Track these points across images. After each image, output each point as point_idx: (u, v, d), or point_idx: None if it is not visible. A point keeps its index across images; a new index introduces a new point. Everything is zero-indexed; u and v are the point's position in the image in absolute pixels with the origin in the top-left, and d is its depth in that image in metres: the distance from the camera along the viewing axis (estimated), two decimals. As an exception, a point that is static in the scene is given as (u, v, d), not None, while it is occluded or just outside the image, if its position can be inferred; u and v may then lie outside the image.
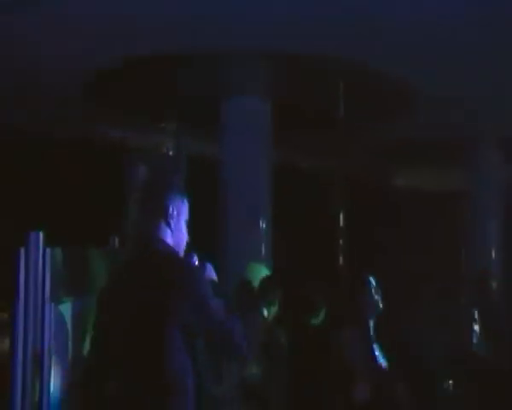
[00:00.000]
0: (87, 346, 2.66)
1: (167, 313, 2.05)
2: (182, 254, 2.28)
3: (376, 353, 3.73)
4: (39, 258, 2.78)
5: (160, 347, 2.05)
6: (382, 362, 3.72)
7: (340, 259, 10.79)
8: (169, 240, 2.23)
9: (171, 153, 8.25)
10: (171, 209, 2.22)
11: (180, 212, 2.26)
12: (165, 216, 2.21)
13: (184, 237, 2.29)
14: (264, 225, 6.59)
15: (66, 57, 5.37)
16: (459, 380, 4.46)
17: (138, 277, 2.13)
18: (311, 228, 9.92)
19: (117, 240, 3.85)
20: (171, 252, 2.21)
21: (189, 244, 2.33)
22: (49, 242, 2.88)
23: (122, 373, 2.11)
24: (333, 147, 9.27)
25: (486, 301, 5.96)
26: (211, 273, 2.33)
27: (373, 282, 3.98)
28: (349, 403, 3.39)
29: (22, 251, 2.79)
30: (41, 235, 2.81)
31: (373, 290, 3.92)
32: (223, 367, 3.33)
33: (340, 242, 10.82)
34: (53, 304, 2.75)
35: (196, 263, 2.32)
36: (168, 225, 2.22)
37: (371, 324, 3.81)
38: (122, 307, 2.13)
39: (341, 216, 10.88)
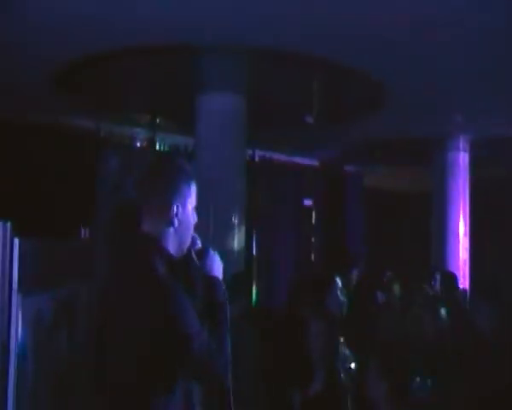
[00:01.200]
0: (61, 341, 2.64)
1: (142, 333, 1.86)
2: (184, 249, 2.08)
3: (344, 351, 3.78)
4: (7, 248, 2.75)
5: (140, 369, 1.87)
6: (348, 360, 3.76)
7: (312, 256, 10.87)
8: (170, 240, 2.03)
9: (142, 145, 8.21)
10: (174, 209, 2.03)
11: (186, 203, 2.06)
12: (168, 217, 2.01)
13: (190, 229, 2.08)
14: (237, 220, 6.60)
15: (40, 46, 5.31)
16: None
17: (119, 291, 1.96)
18: (284, 224, 9.97)
19: (86, 232, 3.83)
20: (156, 265, 1.96)
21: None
22: (17, 232, 2.85)
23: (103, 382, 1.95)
24: (304, 144, 9.33)
25: (452, 300, 6.08)
26: (216, 267, 2.12)
27: (339, 282, 4.04)
28: (305, 397, 3.42)
29: (-11, 241, 2.75)
30: (9, 225, 2.79)
31: (339, 290, 3.97)
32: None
33: (312, 239, 10.90)
34: (20, 295, 2.73)
35: (199, 248, 2.12)
36: (172, 225, 2.02)
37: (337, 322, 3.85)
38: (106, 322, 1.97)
39: (313, 213, 10.95)
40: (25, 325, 2.77)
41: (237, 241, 6.60)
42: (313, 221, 10.91)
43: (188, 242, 2.09)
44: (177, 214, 2.02)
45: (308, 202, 10.82)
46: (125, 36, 5.13)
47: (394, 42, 5.25)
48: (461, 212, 9.45)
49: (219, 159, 6.49)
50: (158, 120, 7.78)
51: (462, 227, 9.42)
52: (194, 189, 2.09)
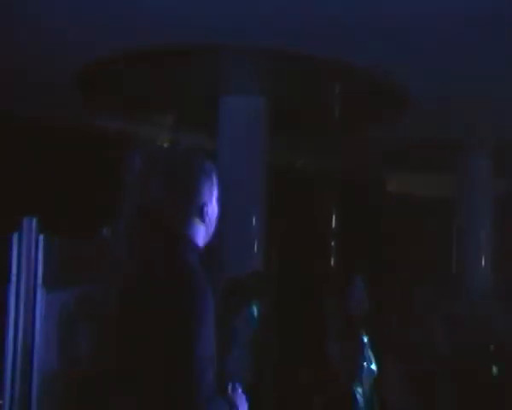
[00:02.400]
0: (77, 339, 2.67)
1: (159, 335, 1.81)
2: (209, 240, 2.10)
3: (367, 356, 3.75)
4: (32, 244, 2.80)
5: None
6: (372, 366, 3.74)
7: (332, 259, 10.85)
8: (200, 237, 2.04)
9: (165, 146, 8.28)
10: (205, 208, 2.04)
11: (212, 200, 2.08)
12: (202, 217, 2.03)
13: (215, 220, 2.11)
14: (258, 223, 6.62)
15: (66, 44, 5.38)
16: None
17: (148, 280, 1.92)
18: (304, 227, 9.97)
19: (109, 231, 3.86)
20: (191, 260, 1.95)
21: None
22: (43, 229, 2.90)
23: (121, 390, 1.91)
24: (327, 148, 9.32)
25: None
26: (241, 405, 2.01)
27: (361, 283, 4.02)
28: (327, 402, 3.42)
29: (15, 236, 2.81)
30: (34, 221, 2.83)
31: (360, 291, 3.95)
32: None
33: (332, 242, 10.88)
34: (45, 290, 2.78)
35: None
36: (203, 222, 2.04)
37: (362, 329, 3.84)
38: (128, 311, 1.93)
39: (334, 217, 10.95)
40: (48, 319, 2.81)
41: (258, 242, 6.62)
42: (333, 225, 10.90)
43: (212, 231, 2.13)
44: (207, 212, 2.06)
45: (328, 206, 10.82)
46: (149, 35, 5.18)
47: (419, 47, 5.24)
48: (483, 218, 9.36)
49: (241, 160, 6.52)
50: (181, 121, 7.84)
51: (484, 234, 9.33)
52: (216, 182, 2.12)
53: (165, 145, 8.25)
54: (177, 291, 1.85)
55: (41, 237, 2.87)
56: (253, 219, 6.61)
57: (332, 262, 10.77)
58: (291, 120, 7.54)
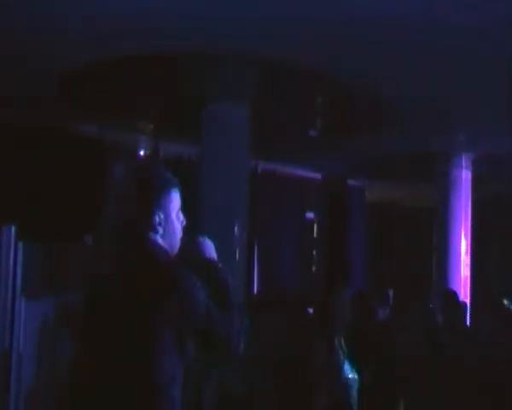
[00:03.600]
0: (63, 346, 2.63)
1: (159, 323, 1.95)
2: (175, 251, 2.16)
3: (345, 366, 3.75)
4: (11, 252, 2.75)
5: (147, 355, 1.96)
6: (350, 375, 3.73)
7: (313, 270, 10.85)
8: (160, 243, 2.12)
9: (147, 153, 8.23)
10: (157, 218, 2.11)
11: (168, 211, 2.14)
12: (152, 225, 2.10)
13: (177, 233, 2.16)
14: (239, 231, 6.60)
15: (49, 50, 5.33)
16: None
17: (127, 285, 2.03)
18: (285, 236, 9.96)
19: (90, 238, 3.82)
20: (160, 256, 2.09)
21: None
22: (21, 236, 2.85)
23: (106, 384, 1.99)
24: (307, 157, 9.35)
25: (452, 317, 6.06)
26: (210, 251, 2.25)
27: (346, 296, 4.01)
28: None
29: (-6, 245, 2.75)
30: (13, 229, 2.79)
31: (344, 305, 3.94)
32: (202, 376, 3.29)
33: (314, 252, 10.89)
34: (24, 299, 2.72)
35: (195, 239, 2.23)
36: (156, 232, 2.10)
37: (341, 337, 3.82)
38: (108, 316, 2.03)
39: (315, 226, 10.96)
40: (28, 328, 2.76)
41: (239, 252, 6.60)
42: (315, 234, 10.91)
43: (177, 246, 2.17)
44: (160, 223, 2.10)
45: (310, 215, 10.82)
46: (133, 42, 5.15)
47: (398, 59, 5.28)
48: (463, 228, 9.44)
49: (223, 169, 6.50)
50: (162, 129, 7.80)
51: (463, 243, 9.40)
52: (175, 194, 2.16)
53: (146, 153, 8.20)
54: (159, 282, 1.98)
55: (20, 244, 2.82)
56: (235, 228, 6.58)
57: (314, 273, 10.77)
58: (274, 128, 7.55)
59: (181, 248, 2.18)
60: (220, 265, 2.23)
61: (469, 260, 9.41)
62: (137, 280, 2.00)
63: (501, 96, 6.12)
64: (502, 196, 11.16)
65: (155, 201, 2.10)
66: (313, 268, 10.83)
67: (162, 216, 2.10)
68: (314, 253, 10.88)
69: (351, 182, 11.18)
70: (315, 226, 10.92)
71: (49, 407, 2.68)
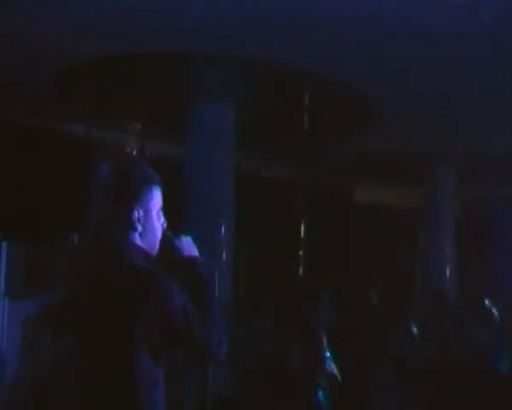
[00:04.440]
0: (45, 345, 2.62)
1: (134, 327, 1.92)
2: (155, 250, 2.11)
3: (326, 357, 3.75)
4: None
5: (126, 360, 1.93)
6: (331, 367, 3.74)
7: (300, 269, 10.87)
8: (138, 242, 2.07)
9: (134, 152, 8.21)
10: (136, 214, 2.04)
11: (149, 208, 2.08)
12: (131, 222, 2.04)
13: (157, 232, 2.11)
14: (225, 231, 6.60)
15: (37, 50, 5.31)
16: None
17: (103, 288, 1.99)
18: (271, 236, 9.97)
19: (76, 237, 3.81)
20: (137, 258, 2.04)
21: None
22: (5, 236, 2.83)
23: (86, 387, 1.97)
24: (296, 157, 9.36)
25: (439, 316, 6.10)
26: (190, 248, 2.19)
27: (326, 295, 4.02)
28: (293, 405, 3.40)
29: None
30: (-3, 228, 2.77)
31: (325, 303, 3.95)
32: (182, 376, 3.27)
33: (300, 252, 10.91)
34: (7, 299, 2.71)
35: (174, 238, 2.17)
36: (135, 230, 2.05)
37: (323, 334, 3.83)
38: (85, 320, 2.00)
39: (302, 226, 10.98)
40: (11, 328, 2.75)
41: (226, 252, 6.60)
42: (302, 235, 10.93)
43: (156, 245, 2.13)
44: (139, 220, 2.05)
45: (298, 216, 10.85)
46: (119, 43, 5.14)
47: (390, 61, 5.31)
48: (449, 229, 9.50)
49: (209, 169, 6.50)
50: (148, 128, 7.78)
51: (449, 244, 9.46)
52: (157, 193, 2.11)
53: (132, 152, 8.18)
54: (138, 289, 1.94)
55: (4, 244, 2.81)
56: (222, 228, 6.59)
57: (300, 273, 10.79)
58: (261, 130, 7.55)
59: (161, 246, 2.13)
60: (203, 263, 2.18)
61: (456, 260, 9.49)
62: (113, 283, 1.96)
63: (488, 98, 6.17)
64: (485, 197, 11.26)
65: (134, 196, 2.05)
66: (300, 269, 10.86)
67: (142, 213, 2.05)
68: (301, 253, 10.90)
69: (339, 183, 11.21)
70: (302, 227, 10.95)
71: (31, 405, 2.67)
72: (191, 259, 2.17)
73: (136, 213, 2.05)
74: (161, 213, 2.14)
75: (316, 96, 6.61)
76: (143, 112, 7.48)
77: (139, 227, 2.06)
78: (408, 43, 5.02)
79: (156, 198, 2.11)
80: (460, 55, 5.18)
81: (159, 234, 2.13)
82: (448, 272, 9.38)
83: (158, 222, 2.12)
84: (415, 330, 5.24)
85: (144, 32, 4.92)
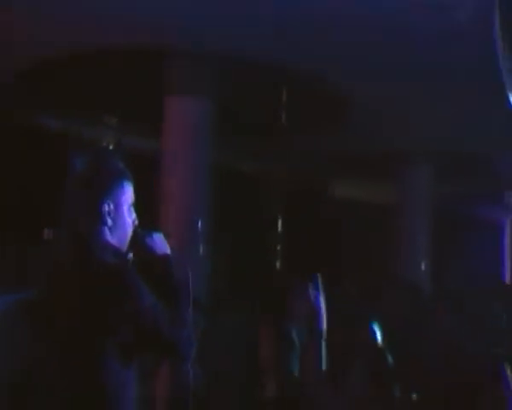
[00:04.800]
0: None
1: (104, 327, 1.90)
2: (124, 247, 2.09)
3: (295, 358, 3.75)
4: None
5: (95, 360, 1.91)
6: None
7: (276, 263, 10.91)
8: (108, 237, 2.04)
9: (110, 147, 8.15)
10: (106, 207, 2.02)
11: (119, 202, 2.06)
12: (100, 216, 2.02)
13: (127, 228, 2.08)
14: (202, 226, 6.58)
15: (9, 44, 5.25)
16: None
17: (71, 286, 1.96)
18: (248, 231, 9.99)
19: (51, 233, 3.77)
20: (106, 255, 1.99)
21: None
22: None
23: (54, 390, 1.94)
24: (272, 153, 9.38)
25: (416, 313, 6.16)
26: (161, 246, 2.14)
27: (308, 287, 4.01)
28: (259, 401, 3.39)
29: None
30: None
31: (305, 295, 3.95)
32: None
33: (277, 246, 10.94)
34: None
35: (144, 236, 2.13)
36: (105, 223, 2.03)
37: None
38: (55, 318, 1.97)
39: (278, 221, 11.02)
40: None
41: (203, 248, 6.58)
42: (279, 230, 10.97)
43: (126, 241, 2.10)
44: (109, 213, 2.03)
45: (274, 211, 10.87)
46: (93, 37, 5.10)
47: (360, 58, 5.34)
48: (423, 225, 9.61)
49: (186, 163, 6.48)
50: (125, 122, 7.73)
51: (424, 240, 9.57)
52: (128, 187, 2.10)
53: (109, 146, 8.11)
54: (99, 286, 1.91)
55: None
56: (199, 223, 6.56)
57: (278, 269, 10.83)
58: (236, 123, 7.55)
59: (132, 244, 2.10)
60: (175, 261, 2.14)
61: (429, 255, 9.60)
62: (83, 281, 1.93)
63: (458, 97, 6.25)
64: (460, 193, 11.41)
65: (105, 189, 2.03)
66: (277, 263, 10.90)
67: (112, 206, 2.03)
68: (278, 248, 10.94)
69: (313, 178, 11.27)
70: (279, 222, 10.99)
71: (4, 404, 2.64)
72: (163, 257, 2.13)
73: (106, 206, 2.02)
74: (132, 210, 2.12)
75: (288, 90, 6.63)
76: (119, 106, 7.43)
77: (109, 221, 2.03)
78: (380, 41, 5.06)
79: (127, 193, 2.09)
80: (432, 54, 5.24)
81: (129, 230, 2.10)
82: (423, 268, 9.50)
83: (129, 218, 2.10)
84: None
85: (118, 26, 4.89)
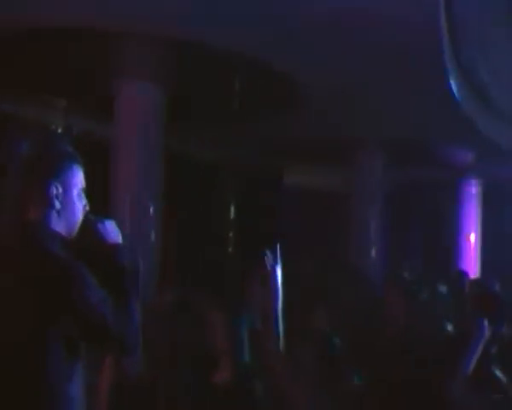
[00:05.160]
0: None
1: (47, 321, 1.83)
2: (73, 233, 2.01)
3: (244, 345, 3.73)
4: None
5: (37, 354, 1.83)
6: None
7: (229, 249, 10.91)
8: (55, 223, 1.96)
9: (59, 130, 7.96)
10: (54, 190, 1.95)
11: (69, 185, 1.99)
12: (48, 198, 1.94)
13: (77, 213, 2.01)
14: (153, 212, 6.52)
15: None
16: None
17: (15, 276, 1.88)
18: (201, 218, 9.94)
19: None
20: (51, 244, 1.91)
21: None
22: None
23: None
24: (224, 139, 9.33)
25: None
26: (113, 234, 2.07)
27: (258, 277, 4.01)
28: (212, 389, 3.36)
29: None
30: None
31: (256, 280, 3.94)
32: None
33: (230, 233, 10.94)
34: None
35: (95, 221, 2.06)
36: (52, 206, 1.95)
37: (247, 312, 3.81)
38: None
39: (232, 208, 11.01)
40: None
41: (154, 231, 6.53)
42: (231, 216, 10.96)
43: (75, 226, 2.03)
44: (57, 196, 1.96)
45: (228, 197, 10.86)
46: (41, 15, 4.95)
47: (311, 42, 5.35)
48: (376, 211, 9.74)
49: (137, 148, 6.39)
50: (74, 105, 7.56)
51: (377, 226, 9.71)
52: (77, 171, 2.03)
53: (57, 129, 7.92)
54: (39, 276, 1.85)
55: None
56: (150, 209, 6.49)
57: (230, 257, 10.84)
58: (188, 109, 7.47)
59: (81, 232, 2.03)
60: (126, 250, 2.07)
61: (382, 242, 9.75)
62: (22, 271, 1.86)
63: (408, 83, 6.33)
64: (413, 181, 11.61)
65: (53, 171, 1.96)
66: (230, 249, 10.90)
67: (60, 190, 1.96)
68: (231, 234, 10.93)
69: (267, 165, 11.28)
70: (231, 208, 10.98)
71: None
72: (114, 246, 2.06)
73: (54, 188, 1.95)
74: (83, 195, 2.04)
75: (239, 77, 6.59)
76: (70, 89, 7.25)
77: (57, 204, 1.96)
78: (327, 28, 5.08)
79: (77, 177, 2.02)
80: (378, 40, 5.28)
81: (79, 215, 2.03)
82: (373, 254, 9.64)
83: (79, 202, 2.03)
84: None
85: (65, 4, 4.75)
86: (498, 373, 2.99)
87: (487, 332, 2.93)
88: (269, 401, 3.24)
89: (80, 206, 2.03)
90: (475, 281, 5.85)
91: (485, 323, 2.94)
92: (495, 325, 3.00)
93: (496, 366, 3.02)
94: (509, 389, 2.83)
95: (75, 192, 2.01)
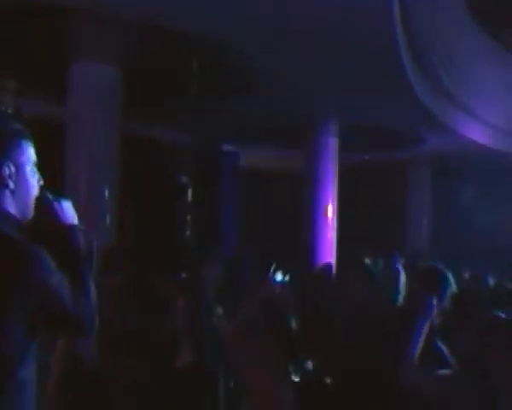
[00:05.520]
0: None
1: (3, 306, 1.79)
2: (29, 212, 1.98)
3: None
4: None
5: None
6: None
7: (185, 232, 10.88)
8: (9, 204, 1.92)
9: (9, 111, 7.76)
10: (6, 170, 1.91)
11: (20, 163, 1.95)
12: (1, 179, 1.89)
13: (32, 189, 1.98)
14: (108, 195, 6.44)
15: None
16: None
17: None
18: (155, 198, 9.88)
19: None
20: (5, 227, 1.87)
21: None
22: None
23: None
24: (179, 119, 9.26)
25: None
26: (68, 214, 2.04)
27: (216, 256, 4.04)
28: (173, 371, 3.36)
29: None
30: None
31: (213, 264, 3.97)
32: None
33: (185, 216, 10.90)
34: None
35: (52, 200, 2.01)
36: (6, 186, 1.91)
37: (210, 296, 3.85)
38: None
39: (187, 191, 10.97)
40: None
41: (110, 214, 6.47)
42: (189, 199, 10.92)
43: (31, 202, 1.99)
44: (10, 176, 1.92)
45: (184, 180, 10.81)
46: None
47: (270, 28, 5.35)
48: (330, 194, 9.85)
49: (92, 131, 6.29)
50: (26, 87, 7.36)
51: (330, 209, 9.82)
52: (27, 147, 1.98)
53: (7, 111, 7.72)
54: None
55: None
56: (105, 192, 6.41)
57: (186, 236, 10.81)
58: (144, 91, 7.37)
59: (35, 213, 1.99)
60: (82, 231, 2.04)
61: (336, 223, 9.87)
62: None
63: (363, 68, 6.39)
64: (367, 162, 11.78)
65: (3, 151, 1.90)
66: (187, 232, 10.87)
67: (13, 169, 1.91)
68: (188, 217, 10.90)
69: (224, 147, 11.26)
70: (189, 191, 10.94)
71: None
72: (70, 227, 2.03)
73: (6, 168, 1.91)
74: (36, 170, 2.00)
75: (195, 59, 6.52)
76: (20, 69, 7.05)
77: (11, 183, 1.91)
78: (284, 13, 5.09)
79: (27, 153, 1.97)
80: (334, 27, 5.32)
81: (34, 192, 1.99)
82: (329, 237, 9.76)
83: (32, 179, 1.98)
84: None
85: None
86: (442, 346, 3.06)
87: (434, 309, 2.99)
88: (230, 382, 3.27)
89: (34, 181, 2.00)
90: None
91: (434, 301, 3.00)
92: (438, 299, 3.06)
93: (439, 338, 3.09)
94: (453, 363, 2.90)
95: (27, 168, 1.97)
